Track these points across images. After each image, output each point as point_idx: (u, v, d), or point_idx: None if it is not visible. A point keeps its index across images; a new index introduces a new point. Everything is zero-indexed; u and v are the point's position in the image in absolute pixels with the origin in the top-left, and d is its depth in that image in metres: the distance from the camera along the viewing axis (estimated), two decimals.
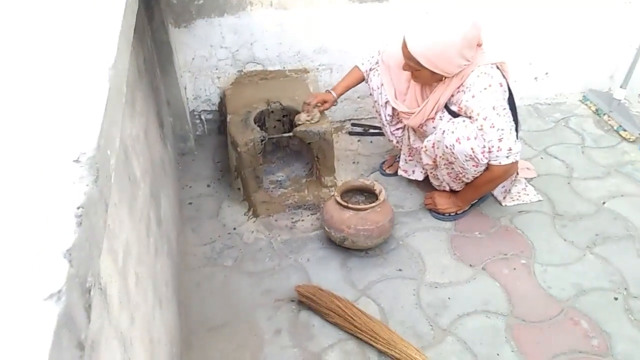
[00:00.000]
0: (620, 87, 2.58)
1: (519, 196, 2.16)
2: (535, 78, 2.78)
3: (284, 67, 2.53)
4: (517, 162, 1.83)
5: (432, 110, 1.90)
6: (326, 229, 1.89)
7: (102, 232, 0.65)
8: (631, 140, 2.50)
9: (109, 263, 0.91)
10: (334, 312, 1.63)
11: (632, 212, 2.07)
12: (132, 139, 1.33)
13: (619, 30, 2.67)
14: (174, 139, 2.40)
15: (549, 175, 2.30)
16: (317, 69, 2.57)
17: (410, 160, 2.19)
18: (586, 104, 2.82)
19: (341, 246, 1.91)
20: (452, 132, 1.78)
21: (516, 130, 1.84)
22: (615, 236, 1.97)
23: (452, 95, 1.85)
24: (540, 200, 2.15)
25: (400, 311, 1.69)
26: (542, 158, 2.42)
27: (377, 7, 2.41)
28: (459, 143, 1.77)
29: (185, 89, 2.48)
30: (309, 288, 1.71)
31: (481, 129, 1.75)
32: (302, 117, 2.11)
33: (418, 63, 1.75)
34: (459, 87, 1.81)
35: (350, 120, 2.73)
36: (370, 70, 2.12)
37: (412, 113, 1.97)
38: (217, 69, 2.47)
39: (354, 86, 2.19)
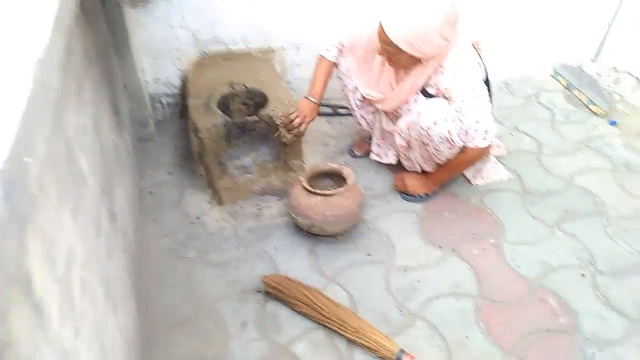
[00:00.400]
0: (591, 61, 2.56)
1: (489, 174, 2.14)
2: (506, 54, 2.74)
3: (248, 47, 2.44)
4: (491, 144, 1.80)
5: (408, 93, 1.84)
6: (293, 215, 1.84)
7: (15, 255, 0.58)
8: (601, 115, 2.49)
9: (45, 274, 0.84)
10: (301, 302, 1.60)
11: (600, 188, 2.07)
12: (79, 132, 1.24)
13: (591, 3, 2.63)
14: (132, 124, 2.30)
15: (519, 152, 2.29)
16: (283, 48, 2.48)
17: (382, 143, 2.14)
18: (557, 79, 2.80)
19: (310, 232, 1.86)
20: (429, 114, 1.73)
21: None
22: (584, 212, 1.97)
23: (429, 77, 1.78)
24: (510, 179, 2.13)
25: (369, 297, 1.67)
26: (512, 135, 2.40)
27: None
28: (436, 125, 1.72)
29: (144, 71, 2.37)
30: (275, 278, 1.67)
31: (459, 111, 1.70)
32: (289, 136, 2.00)
33: (397, 48, 1.67)
34: (436, 69, 1.75)
35: None
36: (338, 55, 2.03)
37: (386, 99, 1.91)
38: (177, 50, 2.36)
39: (329, 79, 2.06)
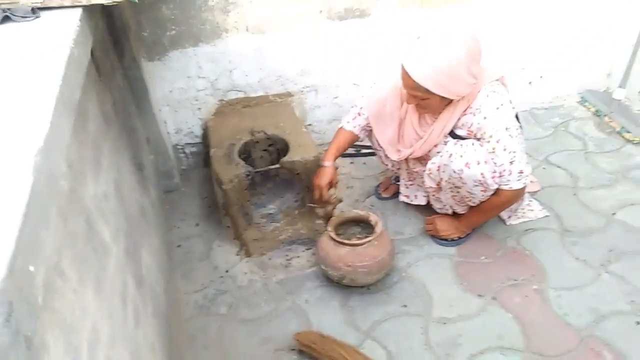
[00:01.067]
0: (619, 86, 2.47)
1: (524, 213, 2.04)
2: (530, 82, 2.68)
3: (266, 92, 2.42)
4: (525, 185, 1.72)
5: (438, 136, 1.76)
6: (322, 267, 1.77)
7: None
8: (636, 142, 2.39)
9: None
10: None
11: None
12: (98, 200, 1.21)
13: (615, 27, 2.56)
14: (157, 177, 2.28)
15: (554, 187, 2.19)
16: (302, 91, 2.46)
17: (410, 184, 2.06)
18: (585, 106, 2.71)
19: (340, 284, 1.78)
20: (461, 156, 1.66)
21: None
22: (630, 251, 1.85)
23: (458, 119, 1.71)
24: (546, 216, 2.03)
25: (408, 354, 1.57)
26: (544, 168, 2.31)
27: (359, 23, 2.30)
28: (468, 168, 1.65)
29: (166, 123, 2.36)
30: (309, 335, 1.59)
31: (493, 152, 1.64)
32: (329, 209, 1.96)
33: (427, 91, 1.58)
34: (465, 110, 1.68)
35: None
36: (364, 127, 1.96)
37: (415, 149, 1.83)
38: (197, 100, 2.36)
39: (345, 149, 1.98)
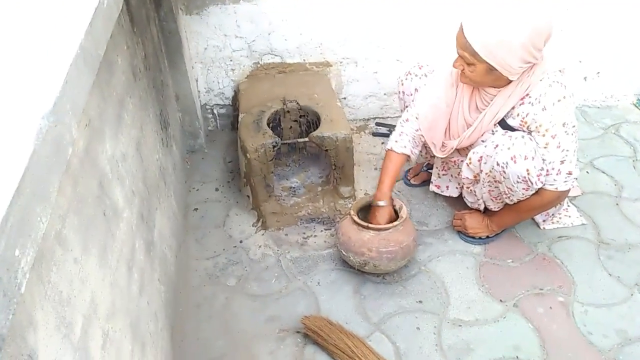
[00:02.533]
0: None
1: (560, 218, 1.92)
2: (585, 78, 2.49)
3: (304, 60, 2.32)
4: (572, 187, 1.60)
5: (490, 123, 1.63)
6: (343, 252, 1.69)
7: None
8: None
9: (56, 341, 0.75)
10: (342, 352, 1.46)
11: None
12: (115, 161, 1.16)
13: None
14: (182, 136, 2.23)
15: (595, 194, 2.05)
16: (341, 62, 2.34)
17: (444, 174, 1.95)
18: None
19: (360, 271, 1.72)
20: (508, 149, 1.53)
21: None
22: None
23: (513, 108, 1.58)
24: (583, 224, 1.91)
25: (417, 353, 1.51)
26: (587, 172, 2.16)
27: None
28: (515, 162, 1.52)
29: (197, 81, 2.30)
30: (317, 320, 1.54)
31: (545, 147, 1.52)
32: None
33: (474, 54, 1.45)
34: (522, 98, 1.55)
35: (374, 119, 2.51)
36: (416, 144, 1.80)
37: (463, 138, 1.70)
38: (231, 60, 2.27)
39: (398, 174, 1.80)
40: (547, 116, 1.50)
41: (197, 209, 2.03)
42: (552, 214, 1.88)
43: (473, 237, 1.84)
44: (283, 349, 1.53)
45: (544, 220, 1.89)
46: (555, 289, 1.69)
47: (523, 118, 1.55)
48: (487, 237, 1.84)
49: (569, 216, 1.93)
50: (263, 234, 1.91)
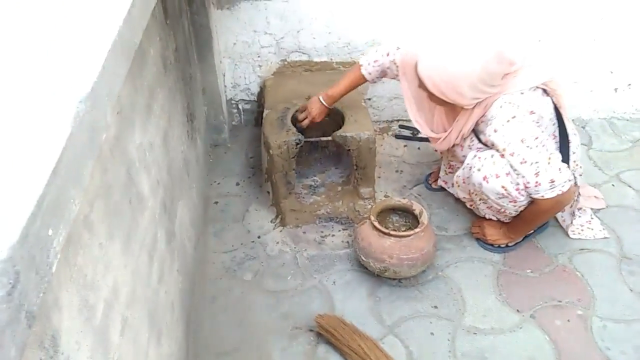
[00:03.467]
0: None
1: (582, 230, 1.89)
2: (615, 89, 2.44)
3: (331, 59, 2.32)
4: (568, 190, 1.56)
5: (457, 137, 1.70)
6: (362, 257, 1.69)
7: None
8: None
9: (79, 324, 0.76)
10: (355, 353, 1.46)
11: None
12: (143, 150, 1.18)
13: None
14: (207, 129, 2.25)
15: (620, 207, 2.01)
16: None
17: (450, 172, 1.98)
18: None
19: (380, 276, 1.72)
20: (479, 170, 1.58)
21: (567, 157, 1.62)
22: None
23: (477, 124, 1.62)
24: (606, 238, 1.87)
25: (430, 359, 1.50)
26: (613, 185, 2.12)
27: None
28: (487, 182, 1.57)
29: (224, 76, 2.32)
30: (330, 320, 1.55)
31: (512, 166, 1.52)
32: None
33: (427, 88, 1.54)
34: (481, 117, 1.59)
35: (398, 121, 2.50)
36: (377, 78, 1.88)
37: (439, 139, 1.76)
38: (259, 56, 2.29)
39: (353, 89, 1.91)
40: (500, 137, 1.52)
41: (217, 202, 2.05)
42: (572, 223, 1.85)
43: (492, 245, 1.83)
44: (295, 346, 1.54)
45: (567, 227, 1.86)
46: (574, 301, 1.66)
47: (485, 137, 1.59)
48: (507, 245, 1.82)
49: (592, 229, 1.90)
50: (281, 231, 1.92)
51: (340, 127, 1.94)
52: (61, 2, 0.91)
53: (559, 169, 1.54)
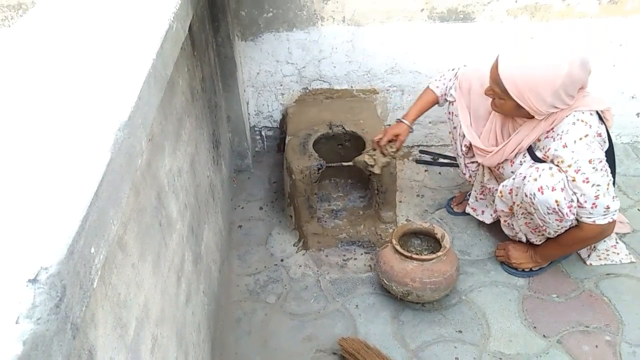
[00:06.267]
0: None
1: (608, 254, 1.87)
2: (637, 114, 2.44)
3: (351, 87, 2.37)
4: (614, 221, 1.56)
5: (512, 151, 1.67)
6: (385, 281, 1.69)
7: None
8: None
9: (112, 340, 0.79)
10: None
11: None
12: (172, 175, 1.23)
13: None
14: (231, 156, 2.31)
15: None
16: (388, 90, 2.38)
17: (481, 199, 1.96)
18: None
19: (403, 300, 1.72)
20: (535, 180, 1.53)
21: (613, 180, 1.59)
22: None
23: (539, 140, 1.60)
24: (632, 262, 1.85)
25: None
26: (639, 210, 2.10)
27: (461, 27, 2.19)
28: (542, 193, 1.52)
29: (248, 104, 2.39)
30: (354, 343, 1.55)
31: (574, 181, 1.50)
32: (364, 158, 1.87)
33: (504, 91, 1.50)
34: (547, 132, 1.57)
35: (418, 146, 2.52)
36: (447, 93, 1.89)
37: (489, 152, 1.74)
38: (281, 85, 2.35)
39: (427, 110, 1.94)
40: (568, 153, 1.50)
41: (241, 226, 2.09)
42: (596, 248, 1.83)
43: (516, 269, 1.81)
44: None
45: (589, 256, 1.84)
46: (602, 327, 1.63)
47: (545, 152, 1.57)
48: (531, 269, 1.81)
49: (618, 253, 1.87)
50: (304, 254, 1.95)
51: (361, 153, 1.97)
52: (100, 37, 0.98)
53: (614, 197, 1.54)
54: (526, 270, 1.81)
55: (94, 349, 0.73)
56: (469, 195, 2.11)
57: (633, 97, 2.38)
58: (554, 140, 1.54)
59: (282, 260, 1.93)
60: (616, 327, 1.63)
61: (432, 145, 2.53)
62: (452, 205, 2.14)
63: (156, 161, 1.10)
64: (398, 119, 1.91)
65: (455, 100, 1.84)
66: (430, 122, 2.47)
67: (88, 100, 0.80)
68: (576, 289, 1.77)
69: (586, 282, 1.79)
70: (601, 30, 2.17)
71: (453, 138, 1.95)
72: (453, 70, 1.87)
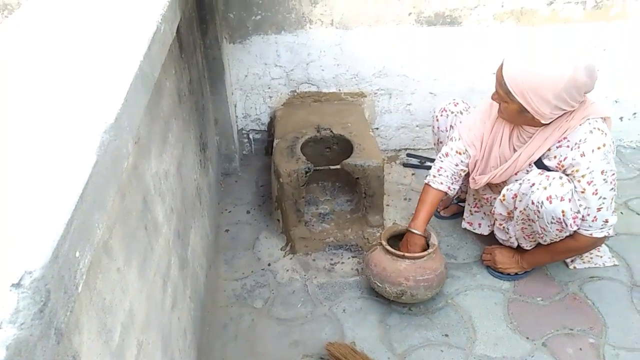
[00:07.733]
0: None
1: (591, 258, 1.89)
2: (621, 118, 2.48)
3: (339, 90, 2.38)
4: (606, 236, 1.59)
5: (525, 163, 1.63)
6: (377, 283, 1.68)
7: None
8: None
9: (97, 346, 0.78)
10: None
11: None
12: (158, 178, 1.22)
13: None
14: (218, 159, 2.30)
15: (629, 235, 2.01)
16: (375, 93, 2.39)
17: (476, 212, 1.95)
18: None
19: (395, 301, 1.72)
20: (545, 189, 1.51)
21: None
22: None
23: (549, 149, 1.58)
24: (615, 265, 1.87)
25: None
26: (622, 213, 2.12)
27: (447, 31, 2.21)
28: (550, 202, 1.50)
29: (235, 106, 2.38)
30: (341, 348, 1.55)
31: (583, 193, 1.51)
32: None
33: (508, 93, 1.48)
34: (560, 141, 1.55)
35: (406, 149, 2.54)
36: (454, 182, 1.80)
37: (497, 172, 1.70)
38: (269, 87, 2.35)
39: (432, 207, 1.80)
40: (585, 162, 1.48)
41: (228, 230, 2.08)
42: (582, 254, 1.85)
43: (502, 273, 1.83)
44: None
45: (572, 260, 1.86)
46: (585, 330, 1.65)
47: (560, 161, 1.54)
48: (516, 273, 1.82)
49: (601, 256, 1.89)
50: (291, 258, 1.94)
51: (349, 156, 1.98)
52: (87, 38, 0.96)
53: (613, 212, 1.55)
54: (511, 274, 1.82)
55: (78, 354, 0.72)
56: (456, 199, 2.13)
57: (616, 102, 2.42)
58: (572, 150, 1.51)
59: (269, 265, 1.92)
60: (600, 330, 1.65)
61: (419, 149, 2.54)
62: (439, 210, 2.15)
63: (142, 164, 1.09)
64: (409, 229, 1.75)
65: (438, 121, 1.89)
66: (417, 126, 2.48)
67: (74, 102, 0.79)
68: (560, 292, 1.78)
69: (570, 285, 1.81)
70: (585, 35, 2.21)
71: (439, 150, 1.92)
72: (447, 156, 1.78)
